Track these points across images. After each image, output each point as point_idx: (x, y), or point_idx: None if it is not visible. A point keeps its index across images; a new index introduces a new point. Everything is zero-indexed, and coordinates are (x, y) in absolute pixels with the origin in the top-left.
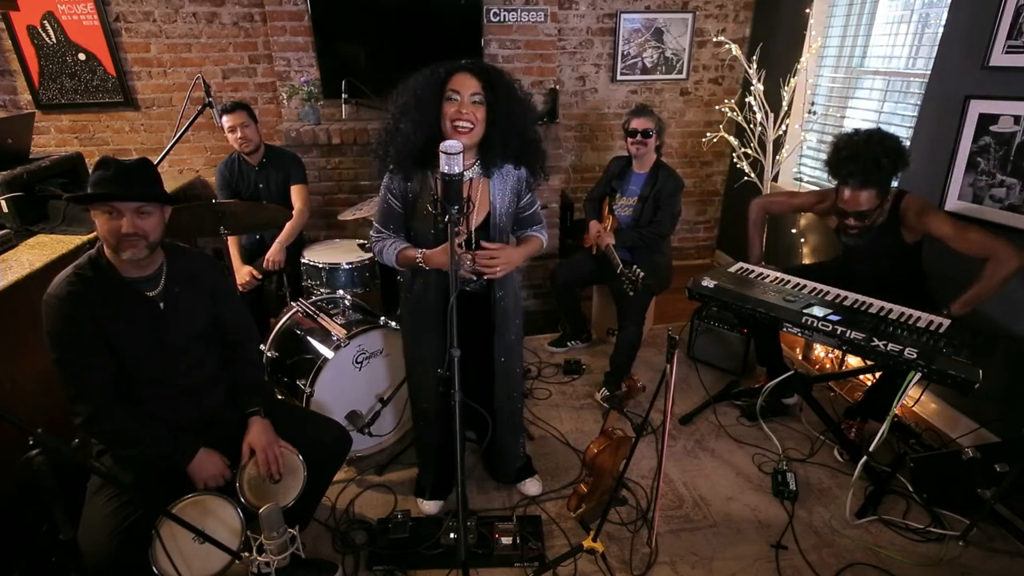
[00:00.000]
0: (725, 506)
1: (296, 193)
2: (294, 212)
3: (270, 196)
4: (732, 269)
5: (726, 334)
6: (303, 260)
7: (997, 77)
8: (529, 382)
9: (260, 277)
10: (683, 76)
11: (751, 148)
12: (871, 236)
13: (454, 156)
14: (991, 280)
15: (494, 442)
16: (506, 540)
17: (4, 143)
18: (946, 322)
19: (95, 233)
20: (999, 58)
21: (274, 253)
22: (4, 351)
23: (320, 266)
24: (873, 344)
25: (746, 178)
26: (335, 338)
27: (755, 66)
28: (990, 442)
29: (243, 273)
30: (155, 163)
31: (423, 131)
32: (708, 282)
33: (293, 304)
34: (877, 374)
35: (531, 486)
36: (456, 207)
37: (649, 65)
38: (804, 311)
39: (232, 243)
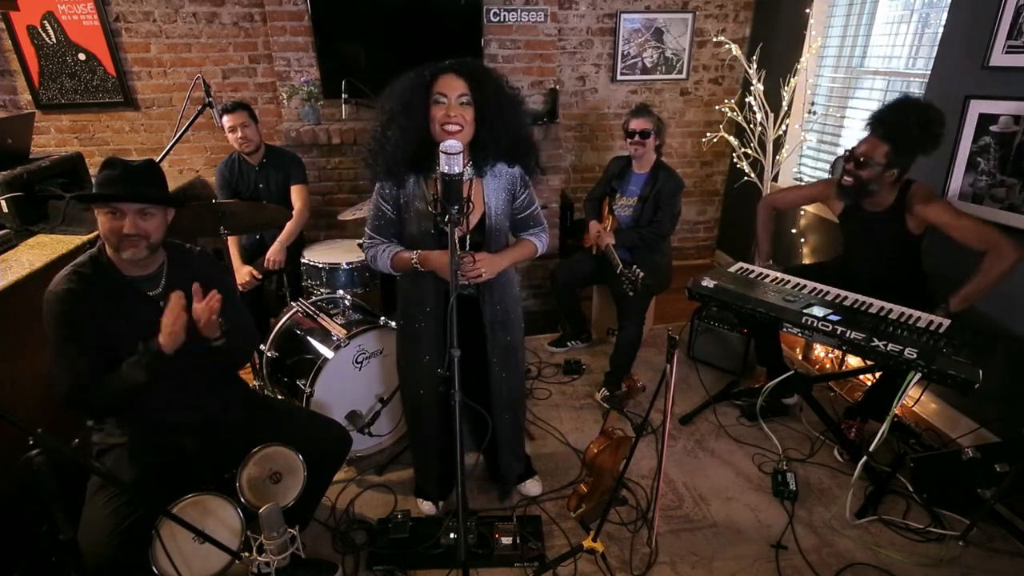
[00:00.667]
0: (725, 506)
1: (296, 193)
2: (294, 212)
3: (270, 196)
4: (732, 269)
5: (726, 334)
6: (303, 260)
7: (997, 77)
8: (529, 382)
9: (260, 277)
10: (683, 76)
11: (751, 148)
12: (876, 223)
13: (454, 156)
14: (989, 274)
15: (492, 447)
16: (506, 540)
17: (4, 143)
18: (946, 322)
19: (95, 233)
20: (999, 58)
21: (274, 253)
22: (4, 351)
23: (320, 266)
24: (873, 344)
25: (746, 178)
26: (335, 338)
27: (755, 66)
28: (990, 442)
29: (243, 273)
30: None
31: (412, 136)
32: (708, 282)
33: (293, 304)
34: (877, 374)
35: (531, 486)
36: (456, 207)
37: (649, 65)
38: (804, 311)
39: (232, 243)
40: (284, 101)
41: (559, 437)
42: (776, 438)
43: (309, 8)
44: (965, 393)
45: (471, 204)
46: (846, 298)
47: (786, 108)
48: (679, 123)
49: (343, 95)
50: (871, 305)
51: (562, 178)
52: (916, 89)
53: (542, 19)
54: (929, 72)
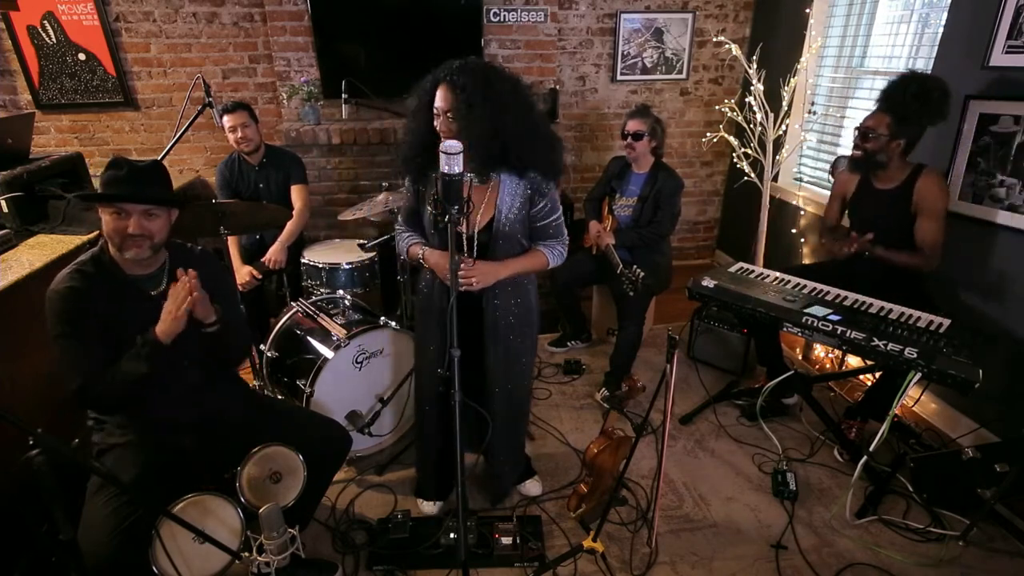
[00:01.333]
0: (725, 506)
1: (296, 193)
2: (294, 212)
3: (270, 196)
4: (732, 269)
5: (726, 334)
6: (303, 260)
7: (997, 77)
8: None
9: (260, 277)
10: (683, 76)
11: (751, 148)
12: (884, 201)
13: (454, 156)
14: (904, 260)
15: (490, 449)
16: (506, 540)
17: (4, 143)
18: (946, 322)
19: (96, 233)
20: (999, 58)
21: (275, 253)
22: (4, 351)
23: (320, 266)
24: (873, 344)
25: (746, 178)
26: (335, 338)
27: (755, 66)
28: (990, 442)
29: (243, 273)
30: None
31: (419, 138)
32: (708, 282)
33: (293, 304)
34: (877, 374)
35: (531, 486)
36: (456, 207)
37: (649, 65)
38: (804, 311)
39: (232, 243)
40: (284, 101)
41: (559, 437)
42: (776, 438)
43: (309, 8)
44: (965, 393)
45: (471, 204)
46: (846, 298)
47: (786, 108)
48: (679, 123)
49: (343, 95)
50: (871, 305)
51: (562, 178)
52: None
53: (542, 19)
54: (929, 72)
